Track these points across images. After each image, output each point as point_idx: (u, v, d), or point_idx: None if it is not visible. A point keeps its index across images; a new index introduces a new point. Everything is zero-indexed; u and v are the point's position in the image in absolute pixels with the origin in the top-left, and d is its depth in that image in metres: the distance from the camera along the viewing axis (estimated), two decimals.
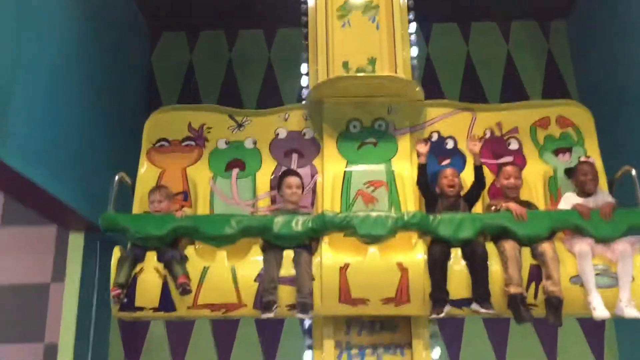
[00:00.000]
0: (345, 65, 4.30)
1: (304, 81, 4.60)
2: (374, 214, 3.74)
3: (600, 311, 3.48)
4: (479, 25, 6.85)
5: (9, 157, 3.46)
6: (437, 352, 3.89)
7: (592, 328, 5.14)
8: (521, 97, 6.35)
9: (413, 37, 4.52)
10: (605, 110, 5.18)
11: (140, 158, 4.40)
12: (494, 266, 3.65)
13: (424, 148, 4.07)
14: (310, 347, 3.90)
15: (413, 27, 4.54)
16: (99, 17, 4.78)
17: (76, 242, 4.93)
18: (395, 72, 4.23)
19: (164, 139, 4.46)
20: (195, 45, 6.95)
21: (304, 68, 4.60)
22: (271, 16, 6.47)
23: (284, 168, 4.32)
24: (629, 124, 5.04)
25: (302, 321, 4.25)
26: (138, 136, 4.44)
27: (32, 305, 5.50)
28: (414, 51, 4.53)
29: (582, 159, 3.95)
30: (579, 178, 3.89)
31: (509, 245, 3.62)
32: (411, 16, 4.49)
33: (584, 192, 3.87)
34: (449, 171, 4.02)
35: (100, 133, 4.65)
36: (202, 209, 4.25)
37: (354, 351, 3.87)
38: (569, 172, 3.98)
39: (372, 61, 4.32)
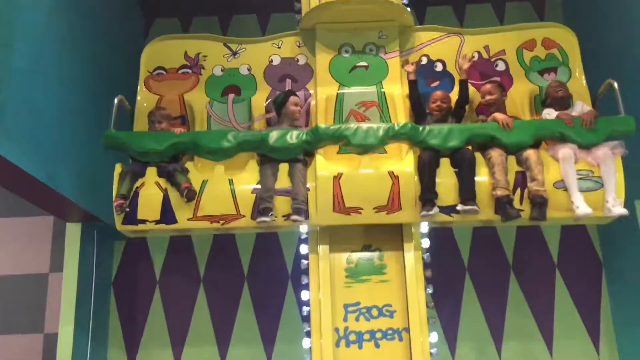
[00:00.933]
0: None
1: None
2: (365, 125, 3.88)
3: (582, 209, 3.65)
4: (473, 7, 6.78)
5: (4, 149, 3.44)
6: (434, 336, 3.88)
7: (588, 308, 5.17)
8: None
9: None
10: (589, 27, 5.23)
11: (138, 86, 4.51)
12: (482, 173, 3.81)
13: (411, 67, 4.23)
14: (308, 334, 3.89)
15: None
16: (92, 4, 4.80)
17: (73, 232, 4.90)
18: None
19: (161, 67, 4.57)
20: (188, 32, 6.78)
21: None
22: (265, 1, 6.50)
23: (278, 92, 4.44)
24: (613, 40, 5.11)
25: (300, 308, 4.22)
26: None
27: (31, 296, 5.52)
28: None
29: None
30: (551, 93, 4.07)
31: (495, 152, 3.77)
32: (405, 0, 4.56)
33: (560, 104, 4.01)
34: (437, 94, 4.18)
35: (95, 122, 4.60)
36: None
37: (352, 337, 3.89)
38: (545, 98, 4.18)
39: None
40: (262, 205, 3.76)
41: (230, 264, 5.45)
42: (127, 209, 3.79)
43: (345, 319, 3.92)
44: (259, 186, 3.85)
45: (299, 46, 4.60)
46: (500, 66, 4.50)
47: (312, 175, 3.86)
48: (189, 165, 3.96)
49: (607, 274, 5.31)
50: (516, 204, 3.77)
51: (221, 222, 3.90)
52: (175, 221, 3.89)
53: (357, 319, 3.93)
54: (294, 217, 3.73)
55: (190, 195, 3.74)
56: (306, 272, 4.01)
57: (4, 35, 3.56)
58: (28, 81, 3.76)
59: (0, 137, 3.42)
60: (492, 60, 4.52)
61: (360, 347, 3.87)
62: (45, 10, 4.05)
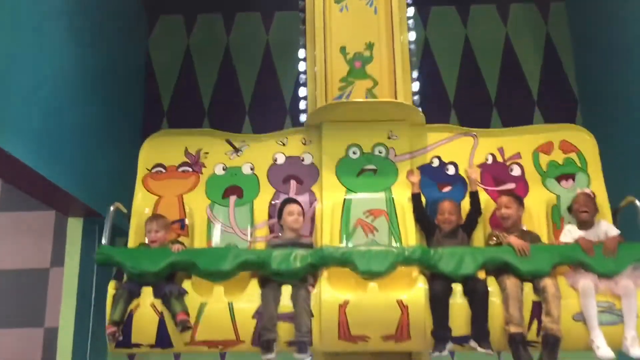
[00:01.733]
0: (342, 50, 4.25)
1: (302, 66, 4.54)
2: (374, 249, 3.68)
3: (603, 350, 3.43)
4: (478, 8, 6.80)
5: (6, 143, 3.46)
6: None
7: None
8: (519, 81, 6.47)
9: (411, 22, 4.47)
10: (602, 103, 5.14)
11: (136, 185, 4.33)
12: (495, 302, 3.60)
13: (414, 178, 4.06)
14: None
15: (411, 11, 4.50)
16: (96, 1, 4.71)
17: (75, 227, 4.94)
18: (394, 58, 4.18)
19: (160, 165, 4.38)
20: (192, 29, 6.90)
21: (301, 53, 4.54)
22: None
23: (282, 195, 4.26)
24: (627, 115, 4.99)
25: None
26: (136, 121, 4.37)
27: (32, 290, 5.52)
28: (412, 36, 4.48)
29: (579, 190, 3.88)
30: (577, 213, 3.86)
31: (510, 283, 3.56)
32: (409, 0, 4.43)
33: (580, 223, 3.80)
34: (446, 206, 3.97)
35: (98, 118, 4.64)
36: (199, 237, 4.19)
37: None
38: (570, 208, 3.92)
39: (370, 46, 4.25)
40: (265, 337, 3.55)
41: None
42: (120, 338, 3.59)
43: None
44: (260, 309, 3.64)
45: (304, 144, 4.41)
46: (516, 171, 4.30)
47: (316, 301, 3.66)
48: (186, 284, 3.75)
49: None
50: (532, 335, 3.57)
51: (220, 347, 3.72)
52: (171, 345, 3.70)
53: None
54: (297, 355, 3.52)
55: (185, 329, 3.55)
56: None
57: (7, 30, 3.49)
58: (31, 77, 3.74)
59: (3, 132, 3.42)
60: (507, 164, 4.32)
61: None
62: (48, 5, 3.96)
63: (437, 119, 5.37)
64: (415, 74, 4.43)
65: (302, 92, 4.54)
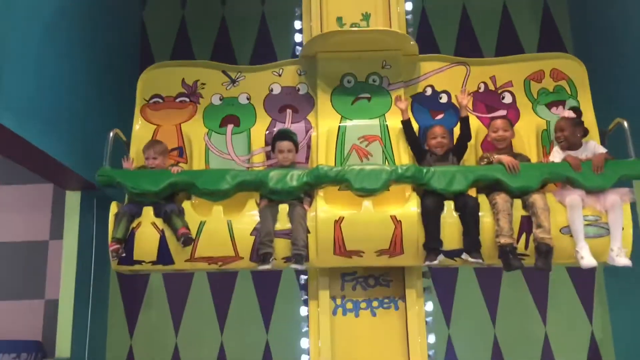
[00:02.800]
0: (339, 20, 4.31)
1: (298, 37, 4.59)
2: (368, 167, 3.77)
3: (587, 260, 3.56)
4: None
5: (3, 117, 3.47)
6: (430, 305, 4.00)
7: (582, 278, 5.35)
8: (517, 50, 6.25)
9: None
10: (600, 62, 5.18)
11: (134, 115, 4.39)
12: (486, 218, 3.72)
13: (403, 104, 4.10)
14: (306, 303, 4.01)
15: None
16: None
17: (73, 200, 4.98)
18: (390, 27, 4.23)
19: (158, 95, 4.44)
20: (187, 0, 6.85)
21: (297, 24, 4.58)
22: None
23: (279, 124, 4.34)
24: (623, 76, 5.03)
25: (298, 276, 4.37)
26: (132, 93, 4.44)
27: (32, 263, 5.59)
28: (409, 6, 4.51)
29: (561, 114, 3.95)
30: (555, 134, 3.93)
31: (500, 198, 3.67)
32: None
33: (569, 146, 3.89)
34: (437, 130, 4.05)
35: (93, 90, 4.65)
36: (198, 164, 4.28)
37: (349, 305, 3.98)
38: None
39: (367, 16, 4.32)
40: (262, 250, 3.67)
41: None
42: (123, 254, 3.70)
43: (342, 288, 4.01)
44: (258, 226, 3.76)
45: (300, 74, 4.47)
46: (507, 98, 4.38)
47: (312, 217, 3.77)
48: (186, 205, 3.86)
49: None
50: (521, 248, 3.69)
51: (219, 263, 3.82)
52: (172, 262, 3.81)
53: (353, 288, 4.01)
54: (294, 265, 3.65)
55: (187, 242, 3.66)
56: None
57: (2, 4, 3.52)
58: (27, 50, 3.76)
59: None
60: (499, 92, 4.40)
61: (356, 316, 3.94)
62: None
63: None
64: None
65: None
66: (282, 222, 3.78)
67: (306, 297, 4.02)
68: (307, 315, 3.97)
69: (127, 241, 3.76)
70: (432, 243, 3.62)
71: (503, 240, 3.58)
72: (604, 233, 3.68)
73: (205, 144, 4.32)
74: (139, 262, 3.81)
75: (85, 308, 4.97)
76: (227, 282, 5.51)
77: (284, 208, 3.81)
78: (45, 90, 3.98)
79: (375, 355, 3.89)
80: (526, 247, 3.70)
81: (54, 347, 4.79)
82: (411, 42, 4.32)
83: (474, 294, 5.51)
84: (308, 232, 3.74)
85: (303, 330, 4.00)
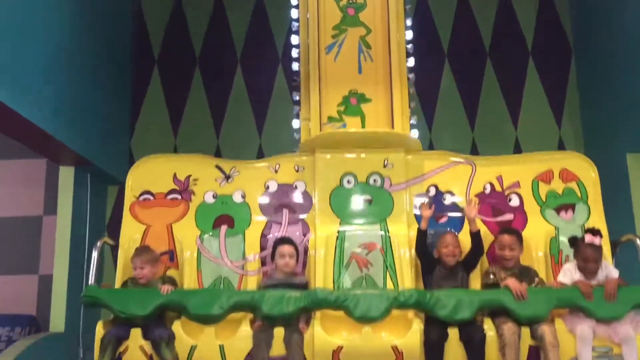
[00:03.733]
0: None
1: (294, 13, 4.54)
2: (369, 292, 3.58)
3: None
4: None
5: None
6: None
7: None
8: (514, 30, 6.56)
9: None
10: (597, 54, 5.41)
11: (123, 213, 4.19)
12: (491, 344, 3.53)
13: (427, 212, 3.87)
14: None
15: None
16: None
17: (66, 175, 4.93)
18: (387, 6, 4.25)
19: (148, 192, 4.24)
20: None
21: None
22: None
23: (275, 225, 4.15)
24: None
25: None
26: (126, 69, 4.30)
27: (26, 238, 5.55)
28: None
29: (588, 238, 3.71)
30: (580, 264, 3.69)
31: (507, 330, 3.48)
32: None
33: (587, 275, 3.68)
34: (449, 239, 3.85)
35: (87, 66, 4.62)
36: (189, 269, 4.07)
37: None
38: (572, 243, 3.78)
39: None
40: None
41: None
42: None
43: None
44: (252, 352, 3.55)
45: (297, 171, 4.27)
46: (514, 201, 4.19)
47: (309, 345, 3.57)
48: (176, 325, 3.65)
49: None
50: None
51: None
52: None
53: None
54: None
55: None
56: None
57: None
58: (20, 25, 3.72)
59: None
60: (506, 193, 4.20)
61: None
62: None
63: (431, 68, 6.22)
64: (409, 22, 4.42)
65: (294, 39, 4.53)
66: (277, 348, 3.59)
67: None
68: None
69: None
70: None
71: None
72: None
73: (198, 248, 4.11)
74: None
75: (79, 283, 4.82)
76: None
77: (279, 332, 3.61)
78: (38, 65, 4.00)
79: None
80: None
81: (49, 322, 4.79)
82: (413, 140, 4.13)
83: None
84: (305, 359, 3.56)
85: None
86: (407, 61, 4.39)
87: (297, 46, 4.49)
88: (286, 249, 3.85)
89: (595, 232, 3.72)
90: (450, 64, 6.55)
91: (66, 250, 4.82)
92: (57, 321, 4.75)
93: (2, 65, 3.55)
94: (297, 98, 4.50)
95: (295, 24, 4.44)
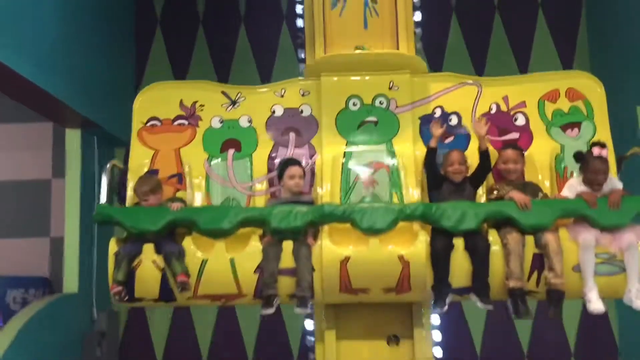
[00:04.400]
0: None
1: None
2: (375, 205, 3.64)
3: (595, 305, 3.46)
4: None
5: (1, 54, 3.45)
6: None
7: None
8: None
9: None
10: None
11: (131, 139, 4.23)
12: (496, 255, 3.60)
13: (438, 130, 3.88)
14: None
15: None
16: None
17: (73, 138, 4.94)
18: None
19: (155, 118, 4.26)
20: None
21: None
22: None
23: (281, 149, 4.19)
24: None
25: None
26: (129, 29, 4.32)
27: (36, 201, 5.63)
28: None
29: (595, 151, 3.70)
30: (589, 176, 3.69)
31: (512, 239, 3.54)
32: None
33: (593, 187, 3.70)
34: (455, 156, 3.86)
35: (89, 27, 4.63)
36: (198, 191, 4.13)
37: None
38: (579, 158, 3.79)
39: None
40: (265, 292, 3.58)
41: None
42: (126, 298, 3.61)
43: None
44: (261, 265, 3.65)
45: (303, 95, 4.28)
46: (520, 120, 4.19)
47: (317, 256, 3.65)
48: (187, 241, 3.74)
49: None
50: (532, 285, 3.59)
51: (222, 300, 3.75)
52: (174, 299, 3.72)
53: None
54: (298, 310, 3.56)
55: (185, 289, 3.57)
56: None
57: None
58: None
59: None
60: (511, 113, 4.20)
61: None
62: None
63: (438, 25, 6.05)
64: None
65: None
66: (287, 260, 3.67)
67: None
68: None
69: (128, 279, 3.67)
70: (441, 287, 3.52)
71: (512, 283, 3.48)
72: (618, 271, 3.56)
73: (206, 171, 4.17)
74: (140, 300, 3.73)
75: (91, 244, 4.97)
76: None
77: (288, 245, 3.69)
78: (43, 28, 4.02)
79: None
80: (537, 284, 3.60)
81: (62, 283, 4.85)
82: (419, 61, 4.12)
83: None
84: (313, 270, 3.64)
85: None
86: (413, 15, 4.33)
87: (301, 2, 4.42)
88: (295, 169, 3.89)
89: (602, 145, 3.73)
90: (458, 18, 6.47)
91: (76, 212, 4.88)
92: (71, 282, 4.82)
93: (5, 28, 3.55)
94: (302, 56, 4.48)
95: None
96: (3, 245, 5.50)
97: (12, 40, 3.57)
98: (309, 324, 3.95)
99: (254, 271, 3.66)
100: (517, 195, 3.63)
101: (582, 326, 5.25)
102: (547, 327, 5.35)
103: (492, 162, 3.98)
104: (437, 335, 3.96)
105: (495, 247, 3.60)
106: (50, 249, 5.55)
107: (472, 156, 3.98)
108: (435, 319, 3.92)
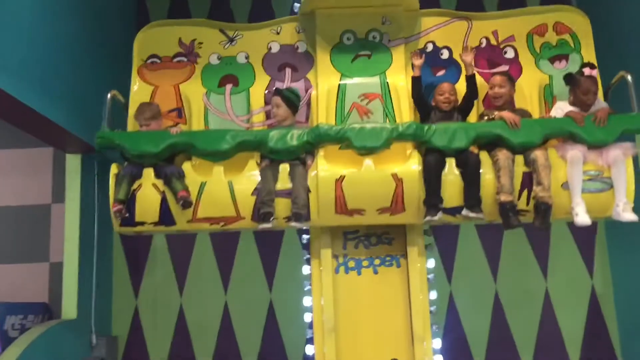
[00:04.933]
0: None
1: None
2: (368, 125, 3.74)
3: (582, 218, 3.56)
4: None
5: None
6: (431, 262, 4.02)
7: (583, 233, 5.29)
8: None
9: None
10: (604, 12, 5.07)
11: (132, 75, 4.34)
12: (487, 175, 3.71)
13: (418, 60, 4.02)
14: (308, 261, 4.03)
15: None
16: None
17: (73, 163, 4.96)
18: None
19: (155, 55, 4.37)
20: None
21: None
22: None
23: (277, 84, 4.29)
24: (628, 27, 4.93)
25: (300, 236, 4.40)
26: (129, 54, 4.38)
27: (35, 226, 5.60)
28: None
29: (586, 71, 3.83)
30: (580, 96, 3.80)
31: (502, 155, 3.65)
32: None
33: (582, 107, 3.81)
34: (445, 86, 3.99)
35: (90, 51, 4.56)
36: (197, 125, 4.24)
37: (351, 263, 4.01)
38: (569, 80, 3.88)
39: None
40: (262, 210, 3.68)
41: None
42: (127, 215, 3.71)
43: (344, 247, 4.03)
44: (259, 186, 3.76)
45: (298, 32, 4.40)
46: (509, 53, 4.31)
47: (313, 176, 3.76)
48: (186, 166, 3.84)
49: None
50: (522, 205, 3.69)
51: (221, 223, 3.84)
52: (174, 223, 3.83)
53: (356, 247, 4.03)
54: (294, 223, 3.66)
55: (186, 205, 3.67)
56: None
57: None
58: (19, 11, 3.69)
59: None
60: (501, 46, 4.32)
61: (359, 274, 3.98)
62: None
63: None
64: None
65: None
66: (283, 182, 3.78)
67: (308, 256, 4.03)
68: (310, 274, 4.00)
69: (129, 203, 3.76)
70: (433, 199, 3.62)
71: (503, 197, 3.58)
72: (606, 188, 3.67)
73: (205, 105, 4.28)
74: (141, 224, 3.82)
75: (90, 270, 5.01)
76: (230, 243, 5.54)
77: (285, 168, 3.80)
78: (40, 52, 3.94)
79: (377, 312, 3.92)
80: (527, 203, 3.70)
81: (61, 309, 4.84)
82: None
83: (475, 249, 5.50)
84: (309, 191, 3.75)
85: (305, 289, 4.04)
86: None
87: None
88: (274, 99, 4.03)
89: (592, 66, 3.86)
90: None
91: (75, 237, 4.88)
92: (69, 308, 4.79)
93: (5, 54, 3.55)
94: None
95: (297, 5, 4.40)
96: (2, 271, 5.45)
97: (12, 66, 3.59)
98: (309, 349, 3.97)
99: (252, 193, 3.77)
100: (506, 114, 3.74)
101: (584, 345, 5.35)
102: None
103: (482, 95, 4.11)
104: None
105: (486, 172, 3.69)
106: (49, 275, 5.50)
107: (463, 90, 4.09)
108: (436, 343, 3.92)
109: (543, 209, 3.55)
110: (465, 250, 5.48)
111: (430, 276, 3.99)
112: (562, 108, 3.88)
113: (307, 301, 4.00)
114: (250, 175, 3.81)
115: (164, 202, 3.78)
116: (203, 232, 4.06)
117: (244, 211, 3.78)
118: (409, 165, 3.71)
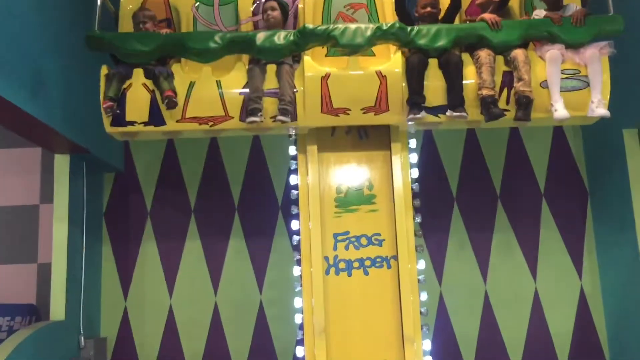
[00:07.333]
0: None
1: None
2: (353, 25, 3.83)
3: (560, 112, 3.69)
4: None
5: None
6: (422, 263, 3.97)
7: (572, 236, 5.35)
8: None
9: None
10: None
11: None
12: (469, 76, 3.82)
13: None
14: (298, 262, 3.96)
15: None
16: None
17: (62, 164, 4.88)
18: None
19: None
20: None
21: None
22: None
23: None
24: None
25: (290, 237, 4.41)
26: None
27: (24, 227, 5.57)
28: None
29: None
30: None
31: (483, 52, 3.76)
32: None
33: (554, 6, 3.94)
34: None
35: (81, 51, 4.46)
36: None
37: (342, 265, 3.96)
38: None
39: None
40: (250, 106, 3.77)
41: (221, 194, 5.51)
42: (118, 111, 3.78)
43: (334, 248, 3.99)
44: (247, 89, 3.85)
45: None
46: None
47: (300, 76, 3.86)
48: (175, 67, 3.92)
49: (593, 203, 5.40)
50: (502, 104, 3.81)
51: (210, 123, 3.92)
52: (163, 123, 3.90)
53: (346, 248, 4.00)
54: (280, 117, 3.75)
55: (171, 105, 3.74)
56: (296, 202, 4.06)
57: None
58: (8, 12, 3.66)
59: None
60: None
61: (349, 275, 3.97)
62: None
63: None
64: None
65: None
66: (271, 82, 3.87)
67: (299, 257, 3.96)
68: (300, 275, 3.93)
69: (119, 101, 3.83)
70: (416, 97, 3.73)
71: (485, 92, 3.69)
72: (582, 86, 3.80)
73: (193, 16, 4.35)
74: (132, 123, 3.89)
75: (79, 271, 4.96)
76: (220, 243, 5.46)
77: (272, 68, 3.88)
78: (30, 52, 3.89)
79: (367, 314, 3.88)
80: (507, 102, 3.82)
81: (49, 310, 4.76)
82: None
83: (465, 250, 5.41)
84: (295, 89, 3.84)
85: (296, 290, 3.96)
86: None
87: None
88: (268, 4, 4.10)
89: None
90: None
91: (64, 238, 4.78)
92: (58, 309, 4.70)
93: None
94: None
95: None
96: None
97: (0, 67, 3.54)
98: (299, 351, 3.90)
99: (240, 92, 3.85)
100: (487, 15, 3.85)
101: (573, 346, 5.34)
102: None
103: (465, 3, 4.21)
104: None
105: (468, 72, 3.79)
106: (37, 276, 5.45)
107: (446, 3, 4.18)
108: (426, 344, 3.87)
109: (525, 102, 3.67)
110: (455, 252, 5.40)
111: (421, 277, 3.93)
112: (539, 15, 4.00)
113: (297, 302, 3.92)
114: (239, 75, 3.90)
115: (153, 101, 3.86)
116: (192, 134, 4.06)
117: (232, 111, 3.87)
118: (392, 63, 3.82)
